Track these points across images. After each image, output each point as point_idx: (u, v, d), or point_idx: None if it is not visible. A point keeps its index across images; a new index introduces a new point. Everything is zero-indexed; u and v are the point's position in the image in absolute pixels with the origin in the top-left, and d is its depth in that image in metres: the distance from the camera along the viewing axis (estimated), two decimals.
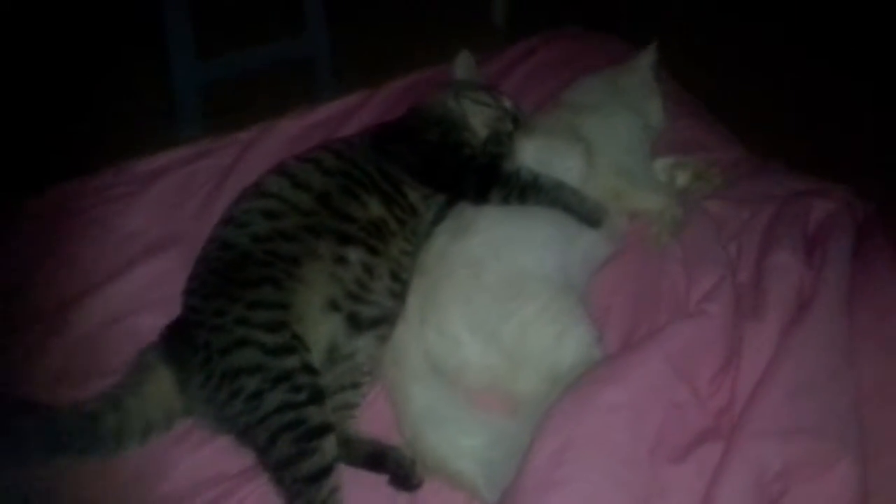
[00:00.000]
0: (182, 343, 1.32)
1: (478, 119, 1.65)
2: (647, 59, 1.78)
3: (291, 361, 1.27)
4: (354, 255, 1.39)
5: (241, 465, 1.30)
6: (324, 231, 1.39)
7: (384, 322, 1.41)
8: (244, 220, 1.41)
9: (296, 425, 1.23)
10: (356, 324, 1.37)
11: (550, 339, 1.32)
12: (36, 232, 1.59)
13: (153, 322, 1.40)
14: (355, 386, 1.38)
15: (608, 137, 1.63)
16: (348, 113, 1.96)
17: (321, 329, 1.34)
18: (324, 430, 1.24)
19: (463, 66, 1.77)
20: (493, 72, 2.07)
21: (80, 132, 2.59)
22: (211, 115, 2.69)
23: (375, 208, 1.45)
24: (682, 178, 1.71)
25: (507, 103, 1.68)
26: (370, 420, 1.38)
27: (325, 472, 1.22)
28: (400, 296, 1.44)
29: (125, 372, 1.33)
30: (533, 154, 1.58)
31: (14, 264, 1.51)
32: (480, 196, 1.47)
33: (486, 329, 1.34)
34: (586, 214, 1.49)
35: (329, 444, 1.24)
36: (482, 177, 1.48)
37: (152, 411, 1.30)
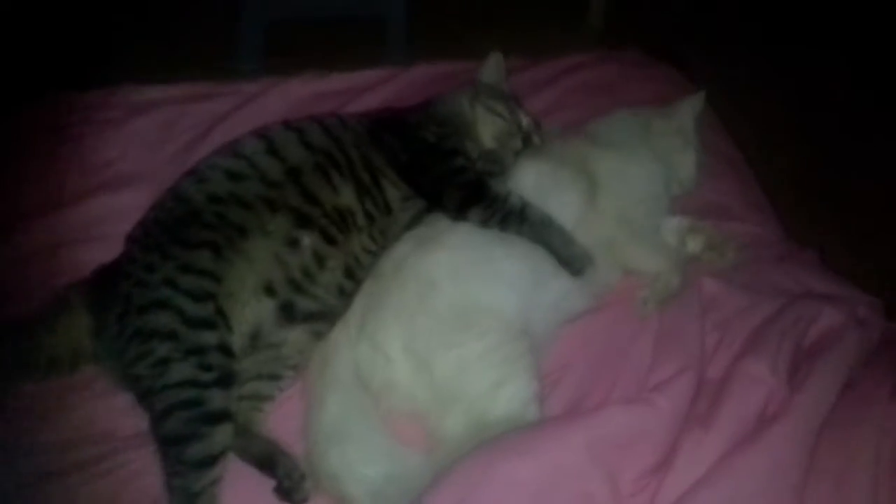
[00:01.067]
0: (107, 289, 1.29)
1: (487, 129, 1.58)
2: (690, 108, 1.67)
3: (208, 337, 1.23)
4: (308, 240, 1.35)
5: (136, 428, 1.27)
6: (283, 207, 1.34)
7: (322, 318, 1.36)
8: (205, 176, 1.38)
9: (194, 405, 1.19)
10: (289, 314, 1.32)
11: (486, 385, 1.25)
12: (12, 139, 1.57)
13: (94, 257, 1.39)
14: (274, 377, 1.34)
15: (621, 181, 1.54)
16: (366, 88, 1.92)
17: (249, 311, 1.30)
18: (221, 417, 1.21)
19: (491, 68, 1.69)
20: (532, 80, 2.00)
21: (134, 38, 2.61)
22: (268, 55, 2.70)
23: (346, 196, 1.40)
24: (692, 244, 1.60)
25: (524, 120, 1.61)
26: (282, 417, 1.34)
27: (209, 460, 1.18)
28: (350, 295, 1.39)
29: (46, 301, 1.30)
30: (533, 179, 1.50)
31: None
32: (459, 212, 1.41)
33: (421, 355, 1.28)
34: (568, 259, 1.40)
35: (222, 433, 1.20)
36: (466, 192, 1.42)
37: (60, 349, 1.28)
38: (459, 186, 1.42)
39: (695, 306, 1.35)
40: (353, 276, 1.40)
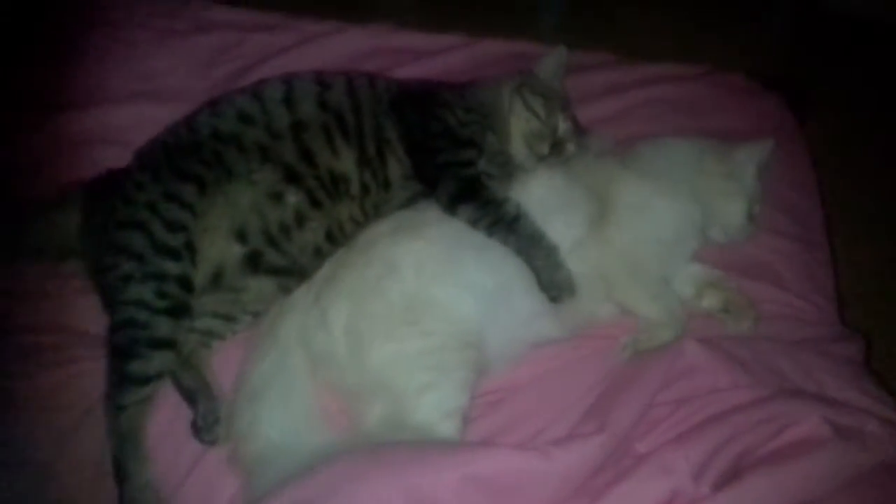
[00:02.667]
0: (102, 195, 1.41)
1: (518, 125, 1.56)
2: (750, 154, 1.57)
3: (171, 266, 1.33)
4: (294, 198, 1.41)
5: (97, 330, 1.39)
6: (275, 160, 1.41)
7: (289, 274, 1.43)
8: (220, 111, 1.47)
9: (141, 326, 1.31)
10: (255, 264, 1.40)
11: (413, 385, 1.29)
12: (64, 28, 1.71)
13: (109, 161, 1.52)
14: (229, 319, 1.43)
15: (640, 215, 1.49)
16: (429, 52, 1.93)
17: (215, 251, 1.39)
18: (164, 344, 1.31)
19: (550, 62, 1.65)
20: (613, 82, 1.94)
21: None
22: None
23: (345, 163, 1.44)
24: (708, 301, 1.54)
25: (562, 126, 1.57)
26: (228, 359, 1.41)
27: (143, 379, 1.30)
28: (327, 257, 1.45)
29: (53, 194, 1.45)
30: (541, 191, 1.49)
31: (30, 54, 1.66)
32: (450, 205, 1.42)
33: (362, 337, 1.32)
34: (548, 284, 1.39)
35: (161, 359, 1.31)
36: (462, 187, 1.42)
37: (49, 240, 1.44)
38: (458, 179, 1.43)
39: (659, 371, 1.29)
40: (334, 241, 1.45)
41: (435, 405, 1.27)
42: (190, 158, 1.40)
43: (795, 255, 1.68)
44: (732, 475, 1.16)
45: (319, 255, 1.44)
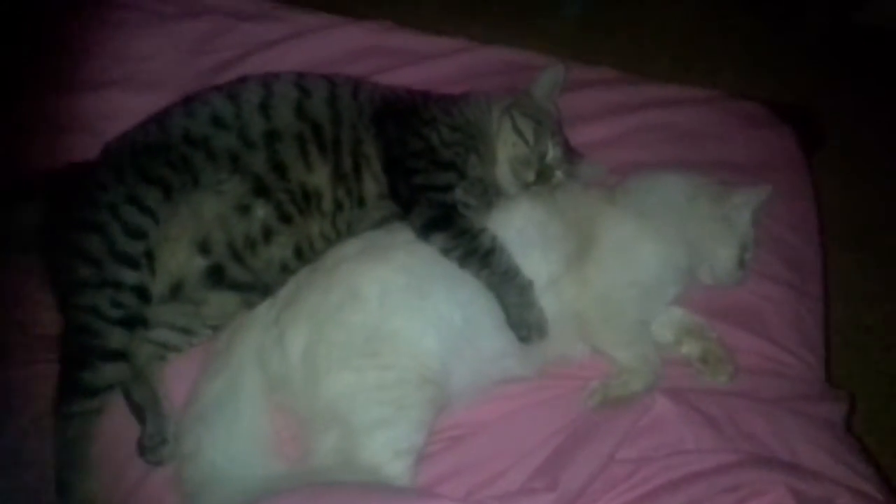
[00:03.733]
0: (66, 189, 1.40)
1: (504, 149, 1.54)
2: (746, 200, 1.53)
3: (128, 275, 1.33)
4: (262, 211, 1.39)
5: (55, 330, 1.37)
6: (244, 170, 1.39)
7: (253, 290, 1.42)
8: (193, 111, 1.45)
9: (94, 335, 1.31)
10: (217, 278, 1.39)
11: (367, 420, 1.28)
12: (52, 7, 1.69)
13: (81, 151, 1.49)
14: (187, 332, 1.42)
15: (623, 256, 1.46)
16: (427, 55, 1.88)
17: (175, 263, 1.38)
18: (116, 356, 1.32)
19: (546, 80, 1.62)
20: (613, 102, 1.87)
21: None
22: None
23: (319, 177, 1.42)
24: (687, 349, 1.51)
25: (551, 152, 1.53)
26: (182, 373, 1.40)
27: (92, 390, 1.30)
28: (294, 273, 1.44)
29: (16, 184, 1.44)
30: (519, 223, 1.46)
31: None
32: (423, 233, 1.40)
33: (317, 366, 1.31)
34: (518, 322, 1.37)
35: (112, 371, 1.31)
36: (437, 213, 1.40)
37: (10, 229, 1.42)
38: (433, 204, 1.40)
39: (624, 424, 1.27)
40: (303, 257, 1.44)
41: (386, 443, 1.26)
42: (157, 160, 1.38)
43: (786, 303, 1.64)
44: None
45: (286, 271, 1.43)
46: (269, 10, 1.86)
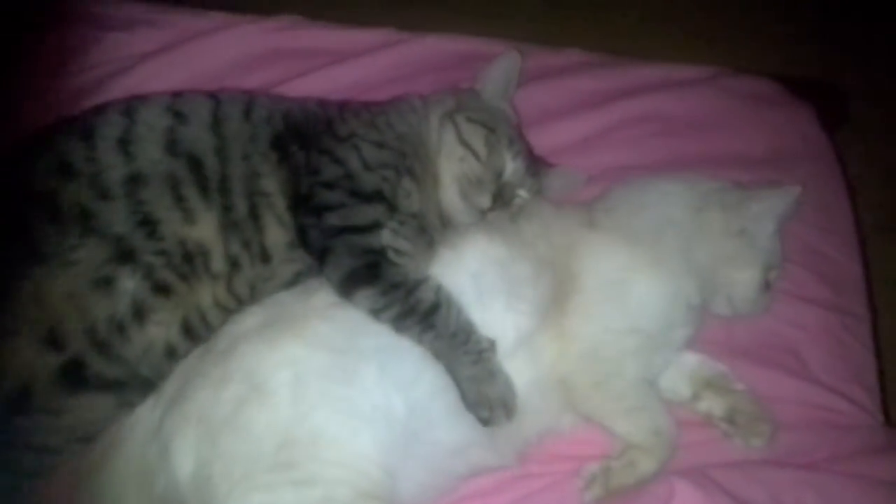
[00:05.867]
0: None
1: (449, 166, 1.32)
2: (773, 206, 1.32)
3: None
4: (129, 284, 1.14)
5: None
6: (100, 231, 1.13)
7: (127, 388, 1.15)
8: (35, 155, 1.20)
9: None
10: (75, 378, 1.12)
11: None
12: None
13: None
14: (45, 450, 1.14)
15: (613, 296, 1.26)
16: (349, 53, 1.65)
17: (17, 363, 1.11)
18: None
19: (498, 73, 1.42)
20: (595, 91, 1.64)
21: None
22: None
23: (203, 228, 1.18)
24: (709, 405, 1.30)
25: (510, 166, 1.33)
26: None
27: None
28: (183, 358, 1.19)
29: None
30: (476, 263, 1.24)
31: None
32: (344, 290, 1.17)
33: (213, 489, 1.06)
34: (476, 400, 1.15)
35: None
36: (360, 263, 1.17)
37: None
38: (354, 251, 1.18)
39: None
40: (195, 336, 1.20)
41: None
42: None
43: (825, 330, 1.44)
44: None
45: (174, 357, 1.18)
46: (141, 14, 1.63)
